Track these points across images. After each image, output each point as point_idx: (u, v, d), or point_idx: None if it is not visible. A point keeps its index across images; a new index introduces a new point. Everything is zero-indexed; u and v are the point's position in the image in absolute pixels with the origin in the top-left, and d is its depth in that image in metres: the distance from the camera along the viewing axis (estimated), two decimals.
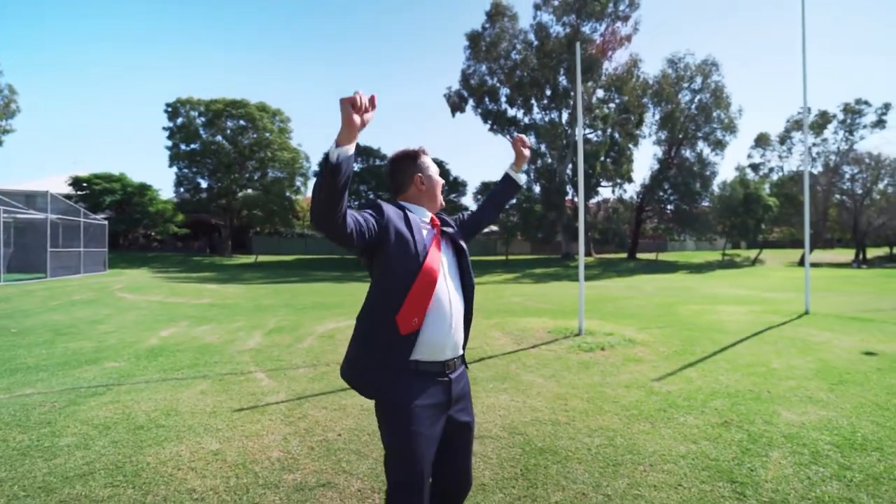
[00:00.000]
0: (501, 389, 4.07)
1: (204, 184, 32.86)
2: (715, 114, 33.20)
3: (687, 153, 34.90)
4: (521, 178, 2.08)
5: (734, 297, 12.41)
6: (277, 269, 25.29)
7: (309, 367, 4.78)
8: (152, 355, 5.27)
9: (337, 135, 1.26)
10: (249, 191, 33.22)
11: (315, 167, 33.71)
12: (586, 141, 31.47)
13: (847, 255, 36.35)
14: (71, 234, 16.93)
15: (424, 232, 1.58)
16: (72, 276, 16.09)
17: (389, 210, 1.52)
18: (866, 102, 32.40)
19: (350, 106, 1.25)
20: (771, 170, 37.07)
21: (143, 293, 12.08)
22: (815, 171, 34.40)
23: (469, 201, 33.21)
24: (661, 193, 35.05)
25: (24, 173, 79.72)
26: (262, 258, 30.95)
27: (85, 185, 28.46)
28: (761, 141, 36.98)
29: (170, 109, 31.75)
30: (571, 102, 30.84)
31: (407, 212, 1.59)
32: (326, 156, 1.25)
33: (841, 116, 33.32)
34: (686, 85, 33.44)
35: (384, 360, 1.48)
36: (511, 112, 33.27)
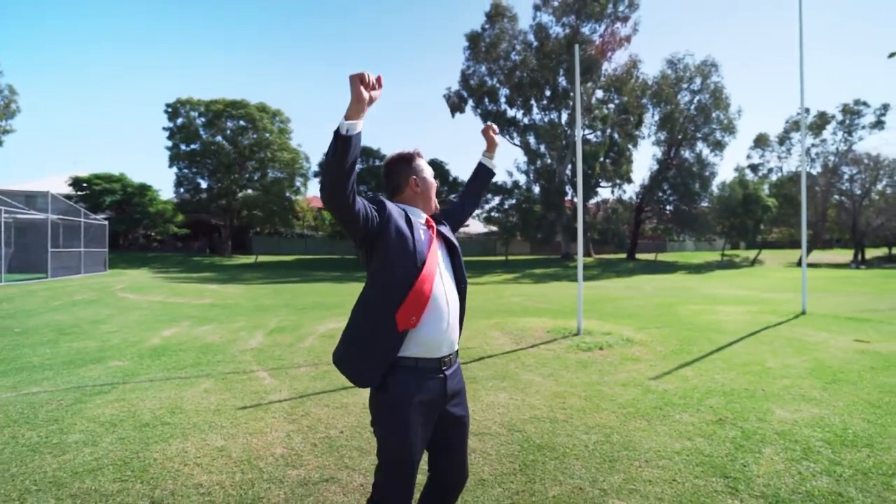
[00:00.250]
0: (501, 388, 4.14)
1: (204, 184, 32.94)
2: (714, 114, 33.30)
3: (686, 154, 35.00)
4: (495, 164, 2.14)
5: (733, 297, 12.48)
6: (277, 269, 25.35)
7: (310, 367, 4.85)
8: (155, 354, 5.34)
9: (346, 110, 1.35)
10: (249, 191, 33.29)
11: (315, 168, 33.83)
12: (586, 141, 31.55)
13: (846, 255, 36.47)
14: (71, 235, 16.98)
15: (422, 233, 1.63)
16: (73, 277, 16.14)
17: (391, 207, 1.58)
18: (865, 103, 32.56)
19: (359, 81, 1.35)
20: (770, 170, 37.23)
21: (144, 293, 12.14)
22: (814, 172, 34.54)
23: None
24: (660, 194, 35.15)
25: (24, 173, 79.79)
26: (262, 258, 31.01)
27: (85, 185, 28.52)
28: (760, 141, 37.12)
29: (170, 110, 31.81)
30: (571, 103, 30.92)
31: (407, 212, 1.65)
32: (337, 130, 1.33)
33: (840, 117, 33.50)
34: (685, 86, 33.55)
35: (378, 354, 1.52)
36: (510, 113, 33.40)
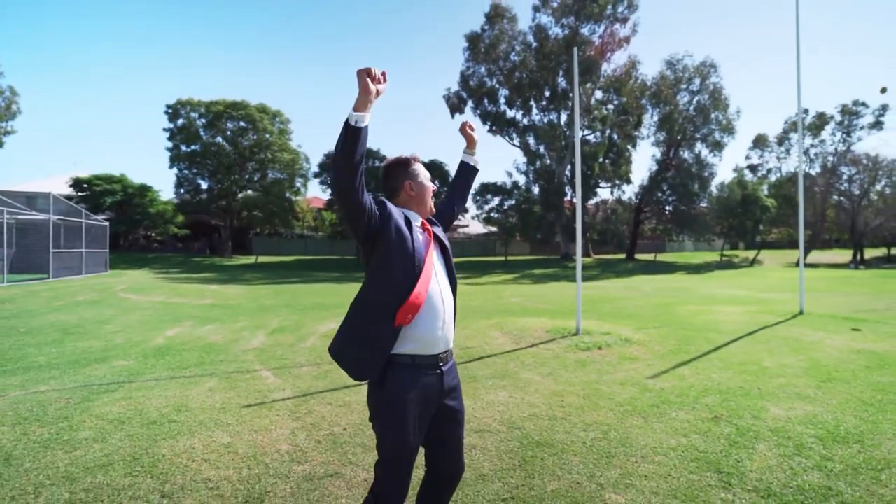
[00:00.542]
0: (500, 387, 4.21)
1: (204, 185, 33.05)
2: (713, 115, 33.40)
3: (685, 154, 35.11)
4: (476, 160, 2.18)
5: (731, 297, 12.55)
6: (278, 269, 25.41)
7: (312, 366, 4.91)
8: (159, 354, 5.40)
9: (354, 102, 1.45)
10: (249, 192, 33.39)
11: (315, 168, 33.91)
12: (585, 142, 31.65)
13: (845, 255, 36.56)
14: (72, 235, 17.04)
15: (420, 236, 1.70)
16: (74, 277, 16.20)
17: (392, 207, 1.66)
18: (864, 104, 32.60)
19: (366, 75, 1.47)
20: (769, 171, 37.27)
21: (145, 294, 12.20)
22: (812, 172, 34.61)
23: (468, 201, 33.35)
24: (659, 194, 35.24)
25: (24, 174, 79.93)
26: (262, 259, 31.07)
27: (85, 186, 28.58)
28: (759, 142, 37.16)
29: (170, 111, 31.92)
30: (570, 104, 31.00)
31: (406, 214, 1.73)
32: (347, 121, 1.44)
33: (838, 118, 33.52)
34: (684, 86, 33.65)
35: (375, 349, 1.58)
36: (510, 113, 33.50)
